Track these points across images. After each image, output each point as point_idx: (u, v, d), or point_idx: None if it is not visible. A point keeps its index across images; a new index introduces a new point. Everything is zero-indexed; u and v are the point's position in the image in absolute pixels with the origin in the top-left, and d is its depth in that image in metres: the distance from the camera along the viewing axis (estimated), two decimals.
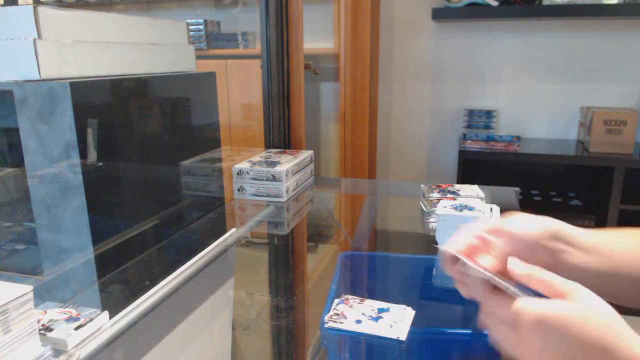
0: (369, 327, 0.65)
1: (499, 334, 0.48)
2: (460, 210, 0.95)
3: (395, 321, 0.66)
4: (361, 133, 2.48)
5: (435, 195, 1.18)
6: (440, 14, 2.47)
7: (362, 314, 0.68)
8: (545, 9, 2.30)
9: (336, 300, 0.72)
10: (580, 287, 0.45)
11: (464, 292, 0.54)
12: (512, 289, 0.47)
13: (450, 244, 0.55)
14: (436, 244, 0.97)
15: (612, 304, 0.45)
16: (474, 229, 0.57)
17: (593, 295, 0.44)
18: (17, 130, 0.76)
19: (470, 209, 0.96)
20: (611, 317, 0.43)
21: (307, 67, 2.24)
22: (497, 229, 0.56)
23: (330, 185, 1.64)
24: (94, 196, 0.78)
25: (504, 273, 0.51)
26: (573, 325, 0.42)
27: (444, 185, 1.25)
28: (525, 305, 0.44)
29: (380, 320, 0.66)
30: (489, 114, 2.56)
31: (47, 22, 0.74)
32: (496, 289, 0.49)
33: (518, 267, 0.48)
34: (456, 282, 0.55)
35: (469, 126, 2.58)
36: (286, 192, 1.25)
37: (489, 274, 0.49)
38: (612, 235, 0.60)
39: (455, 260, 0.54)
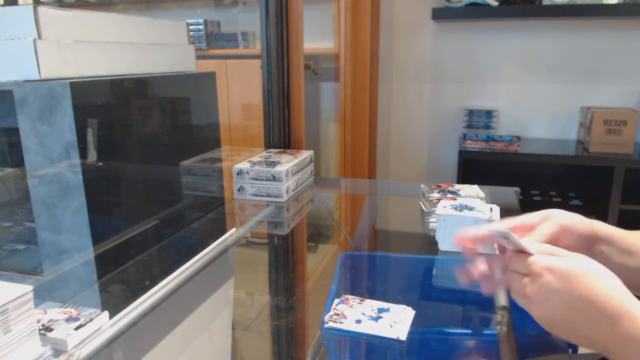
0: (369, 327, 0.65)
1: (513, 285, 0.54)
2: (460, 210, 0.95)
3: (395, 321, 0.66)
4: (361, 133, 2.48)
5: (435, 195, 1.18)
6: (440, 14, 2.47)
7: (362, 314, 0.68)
8: (545, 9, 2.30)
9: (336, 300, 0.72)
10: (585, 256, 0.51)
11: (485, 287, 0.59)
12: (525, 247, 0.53)
13: (504, 223, 0.62)
14: (436, 243, 0.97)
15: None
16: (528, 215, 0.63)
17: (596, 262, 0.50)
18: (17, 130, 0.76)
19: (470, 209, 0.96)
20: (612, 279, 0.49)
21: (307, 67, 2.24)
22: (546, 216, 0.61)
23: (330, 185, 1.64)
24: (94, 196, 0.78)
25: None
26: (576, 277, 0.48)
27: (444, 185, 1.25)
28: (538, 257, 0.51)
29: (380, 320, 0.66)
30: (489, 114, 2.56)
31: (47, 22, 0.74)
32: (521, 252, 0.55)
33: (533, 249, 0.54)
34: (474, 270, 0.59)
35: (469, 126, 2.58)
36: (286, 192, 1.25)
37: (525, 244, 0.54)
38: None
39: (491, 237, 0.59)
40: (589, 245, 0.60)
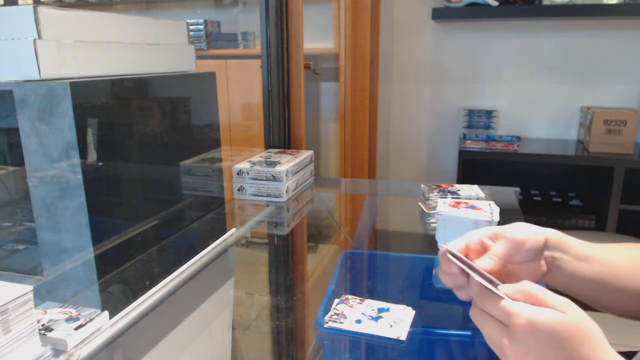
0: (369, 327, 0.65)
1: (486, 330, 0.49)
2: (460, 210, 0.95)
3: (395, 321, 0.66)
4: (361, 133, 2.48)
5: (435, 195, 1.18)
6: (440, 14, 2.47)
7: (362, 313, 0.68)
8: (545, 9, 2.30)
9: (336, 300, 0.72)
10: (569, 302, 0.46)
11: (460, 294, 0.56)
12: (497, 291, 0.48)
13: (450, 244, 0.57)
14: (436, 243, 0.97)
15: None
16: (475, 232, 0.59)
17: (580, 310, 0.46)
18: (17, 130, 0.76)
19: (471, 208, 0.96)
20: (595, 332, 0.45)
21: (307, 67, 2.24)
22: (497, 233, 0.57)
23: (330, 185, 1.64)
24: (94, 196, 0.78)
25: (498, 274, 0.53)
26: (560, 334, 0.44)
27: (444, 185, 1.25)
28: (519, 308, 0.46)
29: (380, 320, 0.66)
30: (489, 114, 2.56)
31: (47, 22, 0.74)
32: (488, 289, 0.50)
33: (506, 289, 0.49)
34: (447, 279, 0.56)
35: (469, 126, 2.58)
36: (286, 192, 1.25)
37: (479, 278, 0.50)
38: (607, 247, 0.61)
39: (450, 261, 0.54)
40: (545, 258, 0.57)
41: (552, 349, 0.44)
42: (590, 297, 0.60)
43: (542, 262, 0.57)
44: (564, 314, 0.45)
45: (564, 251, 0.57)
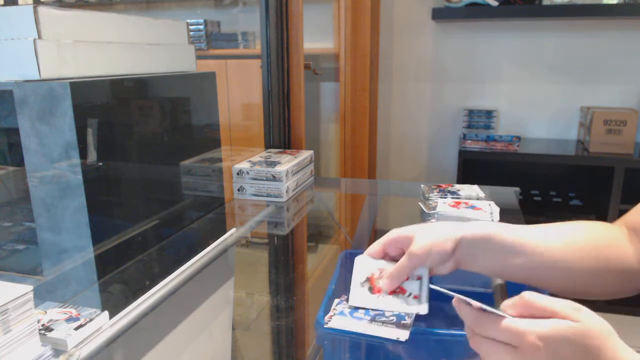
0: (369, 327, 0.65)
1: (492, 356, 0.45)
2: (460, 210, 0.95)
3: (396, 321, 0.66)
4: (361, 133, 2.48)
5: (435, 195, 1.18)
6: (440, 14, 2.47)
7: (362, 314, 0.68)
8: (545, 9, 2.30)
9: (336, 300, 0.72)
10: (578, 306, 0.43)
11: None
12: (497, 311, 0.44)
13: (367, 251, 0.62)
14: None
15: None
16: (384, 238, 0.63)
17: (591, 312, 0.43)
18: (17, 130, 0.76)
19: (471, 208, 0.96)
20: (611, 333, 0.43)
21: (307, 67, 2.24)
22: (406, 237, 0.61)
23: (330, 185, 1.64)
24: (94, 196, 0.78)
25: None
26: (577, 344, 0.41)
27: (444, 185, 1.25)
28: (525, 325, 0.42)
29: (380, 321, 0.66)
30: (489, 114, 2.56)
31: (47, 22, 0.74)
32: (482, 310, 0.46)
33: (505, 305, 0.46)
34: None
35: (469, 126, 2.58)
36: (286, 192, 1.25)
37: (475, 302, 0.47)
38: (536, 229, 0.61)
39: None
40: (453, 258, 0.59)
41: (580, 353, 0.41)
42: (539, 283, 0.60)
43: (454, 262, 0.59)
44: (576, 322, 0.42)
45: (485, 248, 0.58)
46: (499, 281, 0.69)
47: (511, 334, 0.43)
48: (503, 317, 0.43)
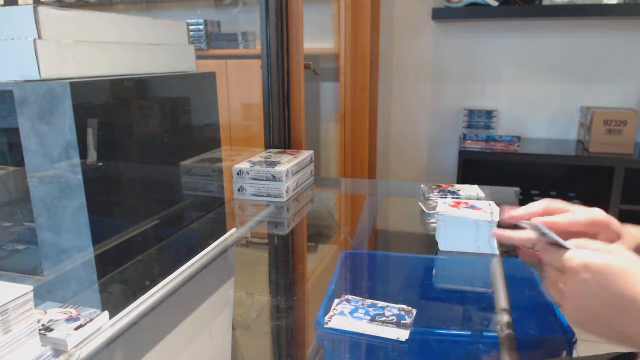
0: (369, 328, 0.65)
1: (549, 280, 0.54)
2: (460, 210, 0.95)
3: (396, 321, 0.66)
4: (361, 133, 2.48)
5: (435, 195, 1.18)
6: (440, 14, 2.47)
7: (363, 314, 0.68)
8: (545, 9, 2.30)
9: (336, 300, 0.72)
10: (622, 247, 0.51)
11: (522, 254, 0.62)
12: (563, 242, 0.53)
13: (531, 206, 0.62)
14: (436, 243, 0.97)
15: None
16: (562, 221, 0.63)
17: (632, 254, 0.50)
18: (17, 130, 0.76)
19: (471, 208, 0.96)
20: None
21: (307, 67, 2.24)
22: (592, 222, 0.61)
23: (330, 185, 1.64)
24: (94, 196, 0.78)
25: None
26: (614, 274, 0.48)
27: (444, 185, 1.25)
28: (574, 253, 0.51)
29: (380, 321, 0.66)
30: (489, 114, 2.56)
31: (47, 22, 0.74)
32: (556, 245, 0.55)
33: (569, 244, 0.53)
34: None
35: (469, 126, 2.58)
36: (286, 192, 1.25)
37: (552, 234, 0.55)
38: None
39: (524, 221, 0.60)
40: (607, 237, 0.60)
41: (605, 289, 0.48)
42: None
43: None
44: (616, 256, 0.49)
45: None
46: (499, 282, 0.69)
47: (563, 260, 0.52)
48: (567, 249, 0.52)
